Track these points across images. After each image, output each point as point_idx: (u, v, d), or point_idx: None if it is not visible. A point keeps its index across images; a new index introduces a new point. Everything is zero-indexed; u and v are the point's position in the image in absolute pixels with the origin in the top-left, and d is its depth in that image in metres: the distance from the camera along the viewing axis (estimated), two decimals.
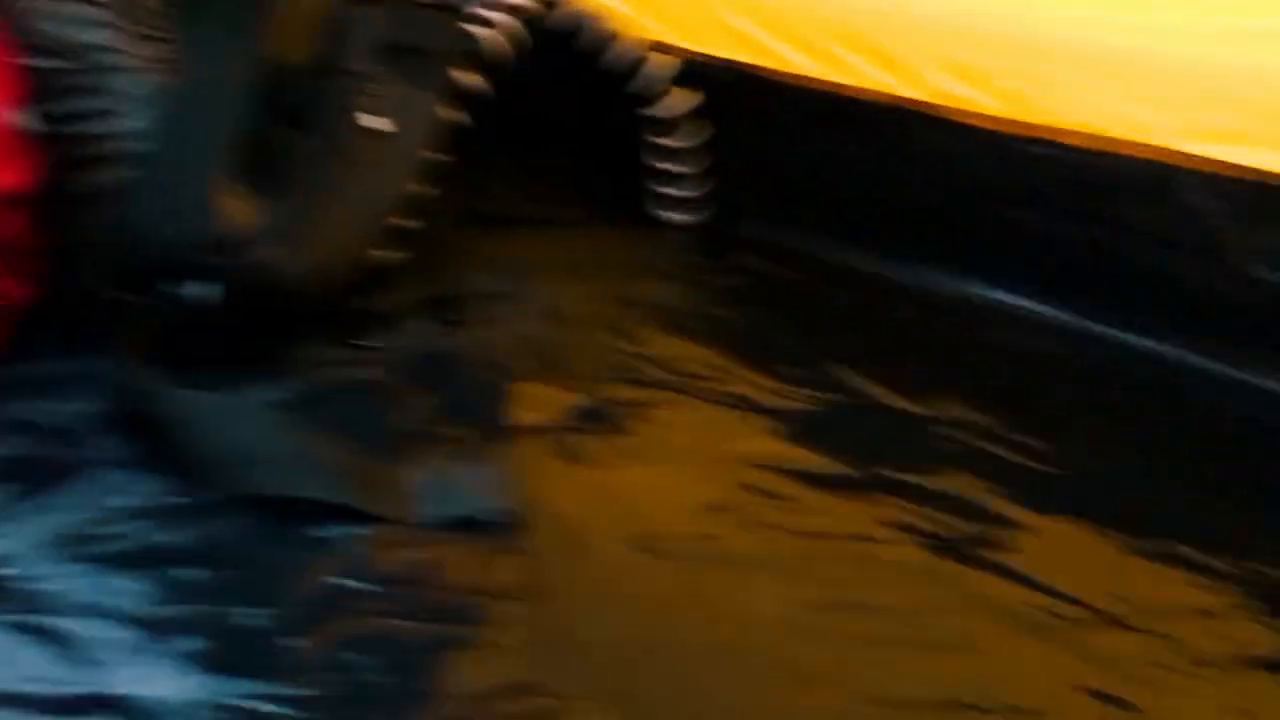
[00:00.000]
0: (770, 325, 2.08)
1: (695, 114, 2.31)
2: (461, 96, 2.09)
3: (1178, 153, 1.87)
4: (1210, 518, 1.60)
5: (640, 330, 2.02)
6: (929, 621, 1.37)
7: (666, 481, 1.61)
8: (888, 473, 1.65)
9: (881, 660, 1.31)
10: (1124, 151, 1.91)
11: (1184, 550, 1.51)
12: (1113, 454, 1.75)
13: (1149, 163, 1.89)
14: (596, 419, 1.74)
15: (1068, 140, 1.96)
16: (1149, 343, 1.98)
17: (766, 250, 2.32)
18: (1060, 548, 1.51)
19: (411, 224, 1.98)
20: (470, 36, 2.16)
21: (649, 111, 2.33)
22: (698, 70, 2.32)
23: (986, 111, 2.04)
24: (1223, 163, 1.84)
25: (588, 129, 2.46)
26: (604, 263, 2.31)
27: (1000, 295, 2.13)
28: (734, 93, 2.31)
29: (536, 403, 1.77)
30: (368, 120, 1.90)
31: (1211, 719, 1.26)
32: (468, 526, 1.46)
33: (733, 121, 2.33)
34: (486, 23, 2.22)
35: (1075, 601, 1.41)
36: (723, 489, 1.58)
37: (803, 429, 1.73)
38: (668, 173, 2.38)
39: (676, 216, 2.41)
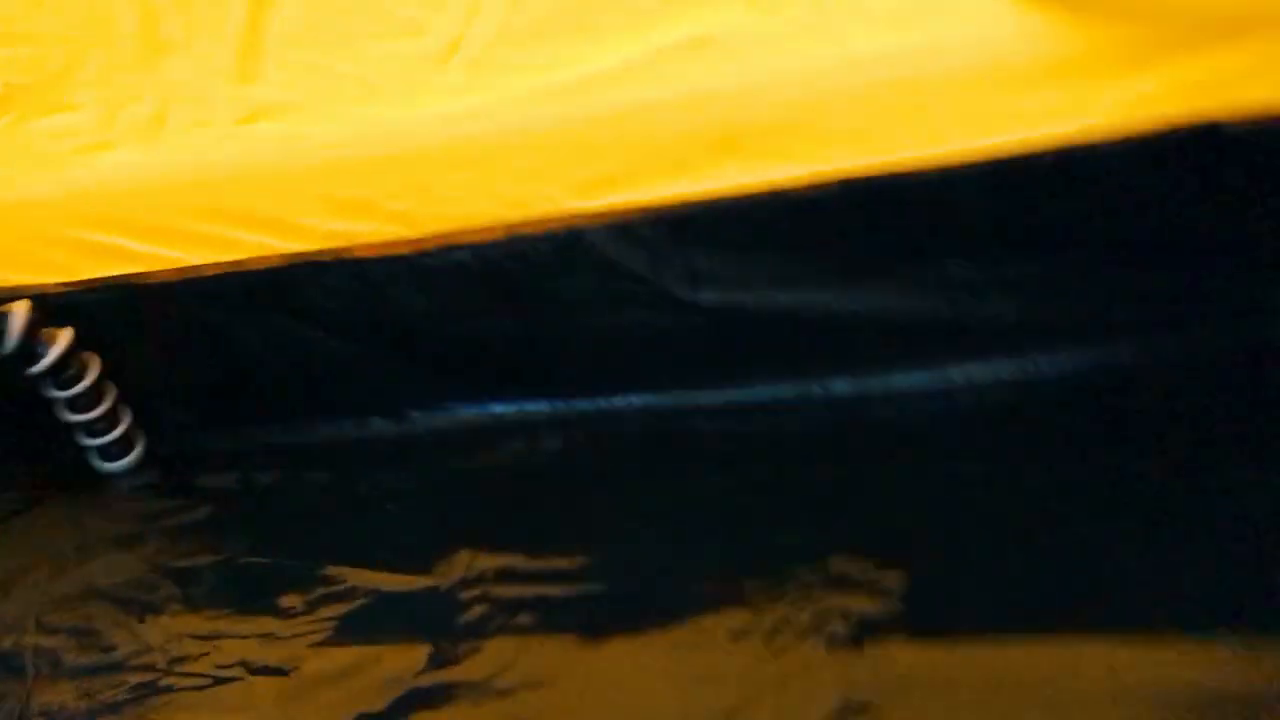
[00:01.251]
0: (255, 550, 1.82)
1: (75, 351, 1.99)
2: None
3: (578, 214, 1.82)
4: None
5: (101, 627, 1.69)
6: None
7: None
8: (425, 680, 1.45)
9: None
10: (528, 231, 1.83)
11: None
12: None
13: (555, 234, 1.82)
14: None
15: (473, 239, 1.85)
16: (649, 399, 1.93)
17: (230, 460, 2.06)
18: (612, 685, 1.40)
19: None
20: None
21: (30, 369, 1.98)
22: (66, 302, 2.00)
23: (382, 239, 1.88)
24: (620, 209, 1.80)
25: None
26: (52, 546, 1.94)
27: (487, 409, 2.01)
28: (120, 309, 2.01)
29: None
30: None
31: None
32: None
33: (132, 340, 2.04)
34: None
35: None
36: None
37: (318, 676, 1.49)
38: (83, 422, 2.05)
39: (116, 465, 2.09)
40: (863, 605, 1.43)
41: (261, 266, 1.94)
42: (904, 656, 1.36)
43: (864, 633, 1.40)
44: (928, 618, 1.41)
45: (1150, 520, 1.48)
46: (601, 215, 1.80)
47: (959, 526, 1.54)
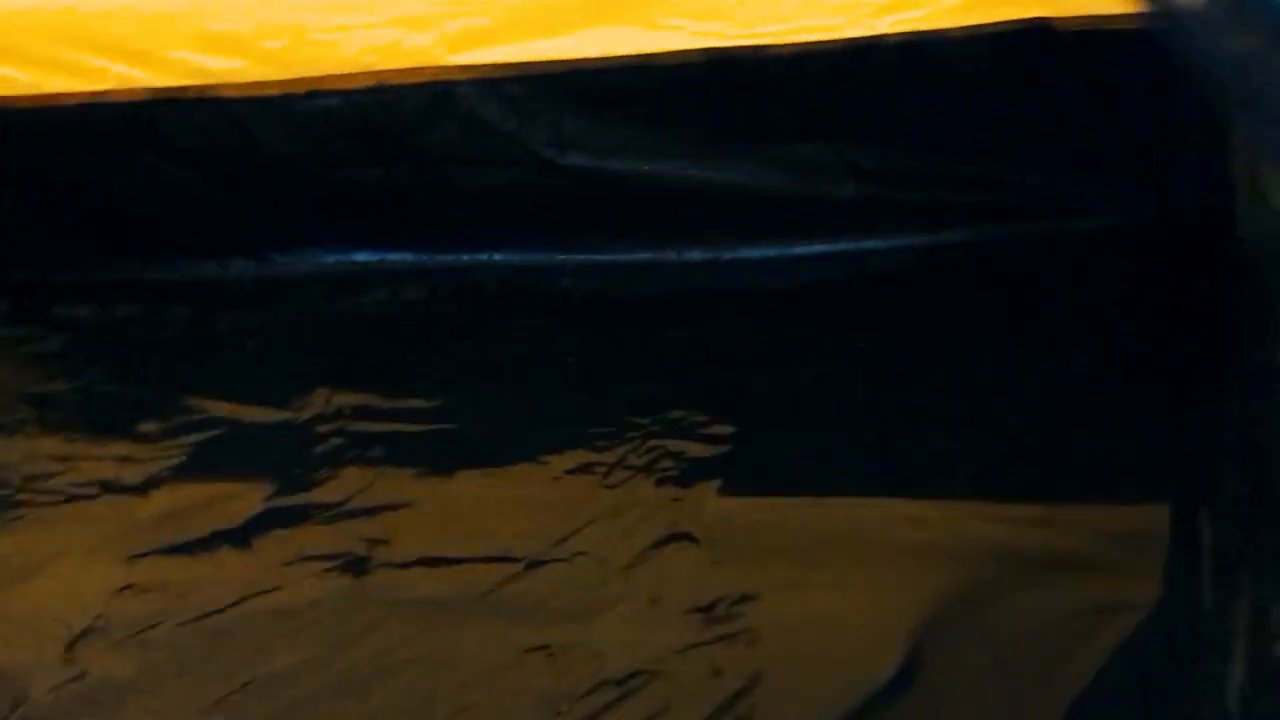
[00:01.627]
0: (113, 379, 1.84)
1: None
2: None
3: (448, 67, 1.85)
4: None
5: None
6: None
7: (20, 644, 1.36)
8: (280, 501, 1.52)
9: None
10: (398, 81, 1.85)
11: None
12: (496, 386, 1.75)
13: (425, 86, 1.85)
14: None
15: (342, 85, 1.86)
16: (511, 257, 1.99)
17: (87, 292, 2.05)
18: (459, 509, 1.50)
19: None
20: None
21: None
22: None
23: (251, 79, 1.88)
24: (490, 65, 1.84)
25: None
26: None
27: (350, 257, 2.04)
28: None
29: None
30: None
31: None
32: None
33: None
34: None
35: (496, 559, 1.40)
36: (82, 621, 1.38)
37: (174, 497, 1.55)
38: None
39: None
40: (693, 450, 1.55)
41: (125, 99, 1.91)
42: (727, 499, 1.48)
43: (692, 474, 1.51)
44: (750, 466, 1.53)
45: (963, 393, 1.61)
46: (471, 69, 1.84)
47: (790, 388, 1.66)
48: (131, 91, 1.91)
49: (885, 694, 1.21)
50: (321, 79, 1.86)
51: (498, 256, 2.01)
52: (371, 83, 1.85)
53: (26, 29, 1.90)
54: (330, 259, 2.05)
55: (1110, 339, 1.64)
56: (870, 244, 1.89)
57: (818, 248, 1.91)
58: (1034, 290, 1.77)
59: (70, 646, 1.34)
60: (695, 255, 1.96)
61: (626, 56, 1.80)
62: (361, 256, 2.05)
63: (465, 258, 2.01)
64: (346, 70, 1.85)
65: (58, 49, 1.90)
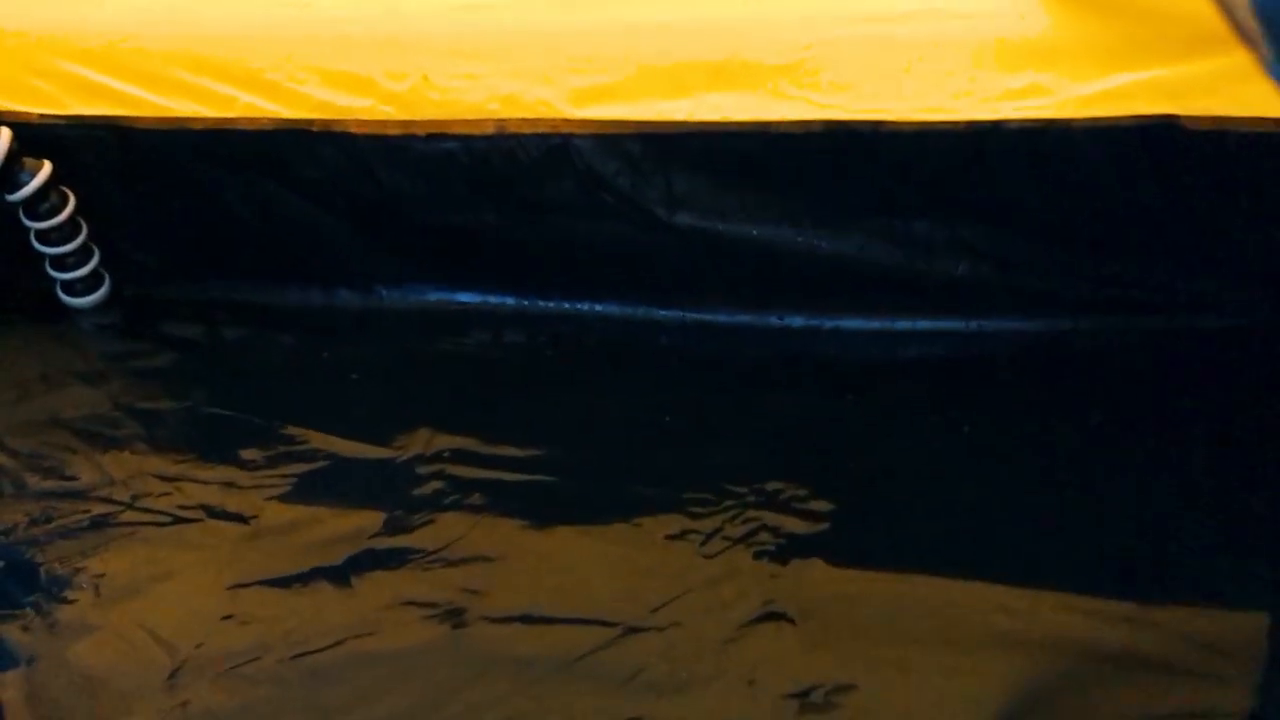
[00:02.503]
0: (219, 401, 1.87)
1: (54, 184, 2.01)
2: None
3: (569, 120, 1.87)
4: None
5: (65, 456, 1.75)
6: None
7: (125, 664, 1.39)
8: (380, 542, 1.55)
9: None
10: (518, 130, 1.88)
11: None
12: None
13: (544, 137, 1.88)
14: (27, 587, 1.50)
15: (462, 130, 1.90)
16: (613, 309, 2.01)
17: (195, 311, 2.11)
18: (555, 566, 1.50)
19: None
20: None
21: (8, 195, 2.00)
22: (48, 135, 2.01)
23: (375, 118, 1.92)
24: (609, 121, 1.86)
25: None
26: (16, 372, 1.98)
27: (455, 297, 2.08)
28: (102, 150, 2.03)
29: None
30: None
31: None
32: None
33: (111, 182, 2.06)
34: None
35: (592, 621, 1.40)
36: (185, 647, 1.41)
37: (276, 528, 1.58)
38: (54, 256, 2.08)
39: (81, 301, 2.12)
40: (791, 525, 1.55)
41: (250, 128, 1.97)
42: (822, 575, 1.48)
43: (790, 550, 1.51)
44: (848, 544, 1.52)
45: (1062, 483, 1.60)
46: (591, 125, 1.87)
47: (888, 465, 1.65)
48: (257, 121, 1.96)
49: None
50: (444, 123, 1.90)
51: (600, 308, 2.03)
52: (492, 130, 1.88)
53: (160, 54, 1.96)
54: (434, 297, 2.09)
55: (1223, 441, 1.62)
56: (976, 324, 1.88)
57: (922, 324, 1.91)
58: (1146, 385, 1.74)
59: (174, 674, 1.37)
60: (796, 321, 1.96)
61: (744, 123, 1.82)
62: (465, 298, 2.08)
63: (568, 306, 2.03)
64: (469, 116, 1.89)
65: (189, 75, 1.96)
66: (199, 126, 1.99)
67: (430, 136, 1.91)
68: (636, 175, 1.88)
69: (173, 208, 2.10)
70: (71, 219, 2.06)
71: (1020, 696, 1.31)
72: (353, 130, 1.93)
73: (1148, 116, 1.66)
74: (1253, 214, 1.71)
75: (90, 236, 2.10)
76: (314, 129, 1.95)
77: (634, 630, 1.39)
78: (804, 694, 1.30)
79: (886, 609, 1.43)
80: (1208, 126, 1.66)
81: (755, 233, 1.90)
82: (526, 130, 1.88)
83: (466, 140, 1.90)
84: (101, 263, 2.13)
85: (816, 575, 1.47)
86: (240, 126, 1.97)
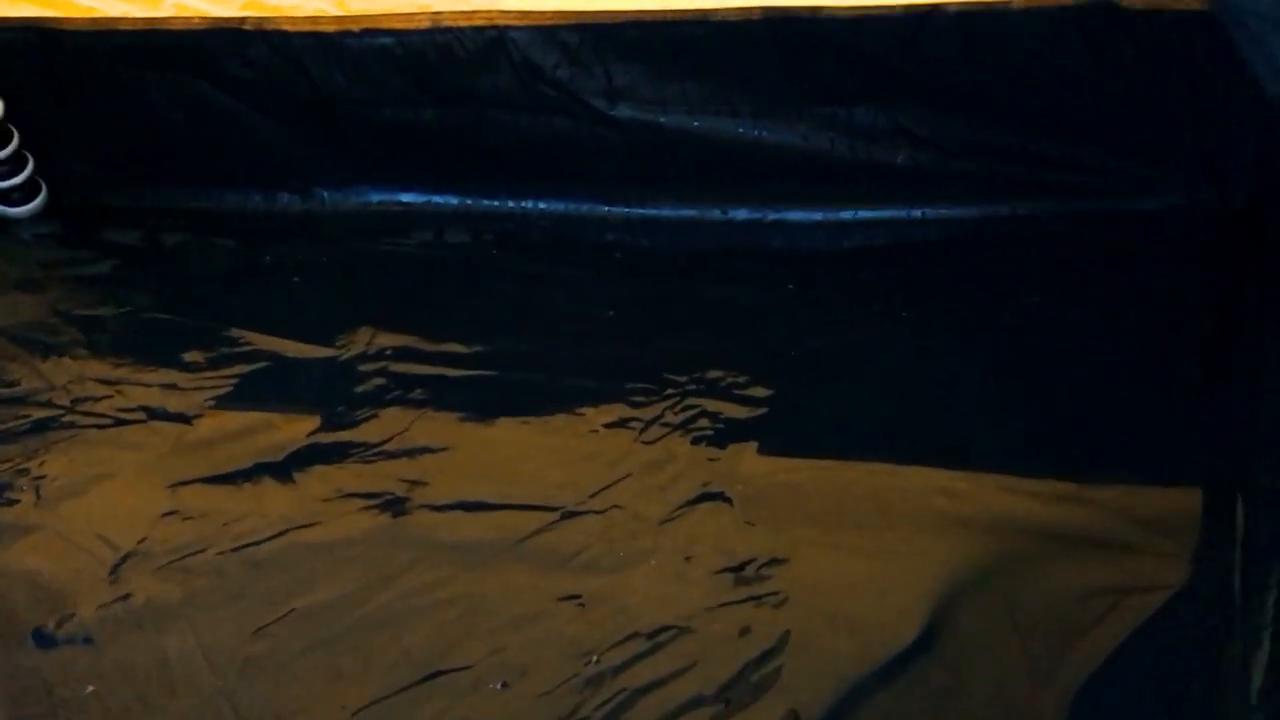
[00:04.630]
0: (160, 307, 1.86)
1: None
2: None
3: (505, 12, 1.84)
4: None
5: (4, 363, 1.74)
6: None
7: (67, 561, 1.40)
8: (322, 438, 1.55)
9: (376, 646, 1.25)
10: (453, 23, 1.85)
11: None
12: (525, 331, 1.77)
13: (480, 30, 1.85)
14: None
15: (398, 25, 1.86)
16: (556, 205, 2.00)
17: (134, 218, 2.08)
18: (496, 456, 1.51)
19: None
20: None
21: None
22: None
23: (308, 14, 1.88)
24: (547, 12, 1.83)
25: None
26: None
27: (397, 198, 2.06)
28: (29, 55, 1.99)
29: None
30: None
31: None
32: None
33: (41, 87, 2.02)
34: None
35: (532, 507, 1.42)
36: (127, 543, 1.41)
37: (218, 427, 1.58)
38: None
39: (18, 210, 2.08)
40: (731, 411, 1.56)
41: (181, 28, 1.93)
42: (760, 459, 1.49)
43: (728, 435, 1.52)
44: (787, 429, 1.54)
45: (1001, 366, 1.61)
46: (528, 16, 1.84)
47: (828, 352, 1.66)
48: (189, 20, 1.92)
49: (905, 658, 1.23)
50: (378, 18, 1.86)
51: (543, 205, 2.02)
52: (427, 24, 1.85)
53: None
54: (376, 199, 2.07)
55: (1158, 322, 1.64)
56: (918, 212, 1.89)
57: (865, 213, 1.91)
58: (1083, 268, 1.76)
59: (115, 568, 1.38)
60: (740, 214, 1.96)
61: (684, 11, 1.79)
62: (407, 198, 2.06)
63: (510, 204, 2.02)
64: (403, 10, 1.86)
65: None
66: (128, 27, 1.95)
67: (364, 32, 1.87)
68: (576, 67, 1.86)
69: (106, 113, 2.06)
70: (2, 126, 2.01)
71: (959, 574, 1.33)
72: (285, 28, 1.90)
73: None
74: (1187, 95, 1.71)
75: (23, 144, 2.06)
76: (246, 27, 1.91)
77: (573, 514, 1.41)
78: (738, 568, 1.32)
79: (825, 491, 1.45)
80: (1143, 5, 1.65)
81: (697, 124, 1.88)
82: (462, 23, 1.85)
83: (401, 35, 1.87)
84: (37, 171, 2.09)
85: (754, 459, 1.49)
86: (170, 27, 1.93)
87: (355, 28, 1.87)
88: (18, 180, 2.06)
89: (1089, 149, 1.78)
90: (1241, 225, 1.72)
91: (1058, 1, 1.66)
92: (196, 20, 1.91)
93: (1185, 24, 1.64)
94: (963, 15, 1.69)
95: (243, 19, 1.90)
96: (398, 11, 1.85)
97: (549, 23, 1.83)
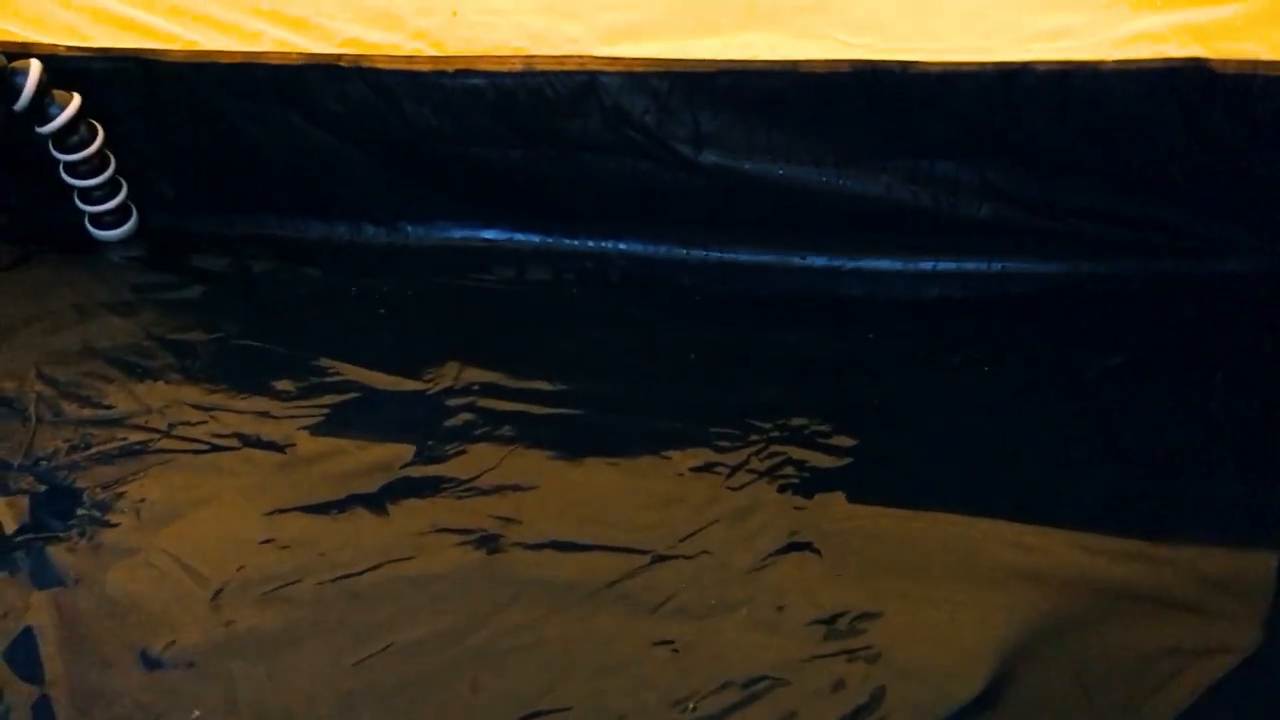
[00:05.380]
0: (250, 333, 1.90)
1: (82, 117, 2.02)
2: None
3: (597, 58, 1.88)
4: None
5: (101, 385, 1.78)
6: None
7: (169, 585, 1.43)
8: (414, 471, 1.58)
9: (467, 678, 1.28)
10: (546, 68, 1.89)
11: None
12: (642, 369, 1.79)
13: (572, 74, 1.88)
14: (69, 511, 1.53)
15: (491, 67, 1.90)
16: (636, 247, 2.04)
17: (222, 244, 2.13)
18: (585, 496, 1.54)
19: None
20: None
21: (39, 128, 2.01)
22: (77, 68, 2.02)
23: (404, 54, 1.93)
24: (637, 59, 1.87)
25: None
26: (49, 302, 1.99)
27: (480, 234, 2.10)
28: (130, 83, 2.04)
29: None
30: None
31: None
32: None
33: (138, 115, 2.08)
34: None
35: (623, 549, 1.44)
36: (227, 570, 1.44)
37: (311, 457, 1.62)
38: (83, 188, 2.09)
39: (110, 234, 2.14)
40: (815, 460, 1.58)
41: (279, 62, 1.97)
42: (844, 509, 1.51)
43: (814, 484, 1.54)
44: (870, 479, 1.55)
45: (1080, 422, 1.62)
46: (619, 62, 1.87)
47: (909, 402, 1.68)
48: (286, 55, 1.97)
49: (971, 711, 1.25)
50: (472, 59, 1.90)
51: (623, 246, 2.05)
52: (520, 67, 1.89)
53: None
54: (459, 234, 2.11)
55: (1243, 385, 1.65)
56: (999, 265, 1.90)
57: (945, 265, 1.93)
58: (1165, 328, 1.77)
59: (217, 594, 1.41)
60: (819, 261, 1.98)
61: (772, 61, 1.82)
62: (490, 234, 2.10)
63: (592, 244, 2.05)
64: (497, 52, 1.90)
65: (217, 9, 1.97)
66: (226, 60, 2.00)
67: (458, 73, 1.92)
68: (663, 113, 1.89)
69: (199, 142, 2.11)
70: (100, 152, 2.07)
71: (1031, 629, 1.34)
72: (380, 66, 1.94)
73: (1177, 59, 1.67)
74: (1275, 158, 1.72)
75: (118, 169, 2.11)
76: (343, 64, 1.95)
77: (663, 558, 1.43)
78: (830, 620, 1.34)
79: (906, 542, 1.47)
80: (1236, 69, 1.66)
81: (781, 172, 1.91)
82: (554, 67, 1.89)
83: (494, 77, 1.91)
84: (129, 196, 2.15)
85: (839, 508, 1.51)
86: (268, 61, 1.98)
87: (449, 68, 1.92)
88: (111, 205, 2.11)
89: (1175, 209, 1.80)
90: None
91: (1150, 62, 1.68)
92: (294, 55, 1.96)
93: (1276, 86, 1.66)
94: (1052, 74, 1.71)
95: (339, 55, 1.95)
96: (492, 54, 1.90)
97: (639, 69, 1.87)
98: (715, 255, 2.01)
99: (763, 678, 1.26)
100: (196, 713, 1.26)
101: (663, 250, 2.03)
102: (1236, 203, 1.77)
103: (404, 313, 1.94)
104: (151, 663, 1.32)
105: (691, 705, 1.24)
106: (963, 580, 1.41)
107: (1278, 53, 1.64)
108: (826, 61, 1.79)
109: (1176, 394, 1.65)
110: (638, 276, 2.00)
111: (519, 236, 2.09)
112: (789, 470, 1.56)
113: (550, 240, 2.08)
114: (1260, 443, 1.56)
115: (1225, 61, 1.66)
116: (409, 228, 2.13)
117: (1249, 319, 1.75)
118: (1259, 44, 1.66)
